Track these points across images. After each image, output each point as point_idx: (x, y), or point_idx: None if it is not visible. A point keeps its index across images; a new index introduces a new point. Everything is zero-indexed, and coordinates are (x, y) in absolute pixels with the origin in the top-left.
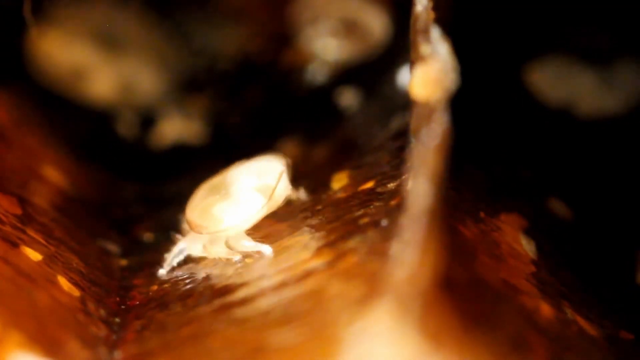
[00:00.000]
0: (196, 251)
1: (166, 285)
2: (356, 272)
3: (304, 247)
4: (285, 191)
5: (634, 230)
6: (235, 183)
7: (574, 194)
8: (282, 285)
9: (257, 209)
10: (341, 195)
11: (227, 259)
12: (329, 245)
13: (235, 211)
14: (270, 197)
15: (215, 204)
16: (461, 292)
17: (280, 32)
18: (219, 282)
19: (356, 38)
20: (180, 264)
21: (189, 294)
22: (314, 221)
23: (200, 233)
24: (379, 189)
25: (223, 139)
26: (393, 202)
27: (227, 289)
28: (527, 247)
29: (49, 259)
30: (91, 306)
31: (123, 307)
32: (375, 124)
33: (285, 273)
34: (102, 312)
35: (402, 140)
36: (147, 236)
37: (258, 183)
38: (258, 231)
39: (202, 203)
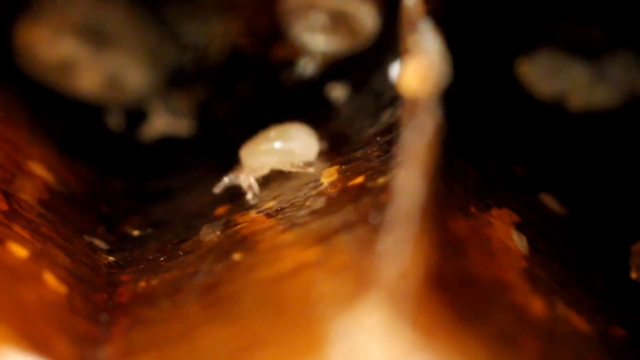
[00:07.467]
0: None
1: (154, 282)
2: (346, 268)
3: (294, 243)
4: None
5: (628, 225)
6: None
7: (566, 189)
8: (271, 281)
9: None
10: (331, 190)
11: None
12: (319, 241)
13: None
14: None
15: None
16: (452, 288)
17: (269, 26)
18: (207, 278)
19: (346, 31)
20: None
21: (177, 290)
22: (303, 217)
23: None
24: (368, 184)
25: (211, 133)
26: (383, 198)
27: (216, 285)
28: (518, 242)
29: (36, 255)
30: (78, 303)
31: (110, 303)
32: (365, 118)
33: (274, 269)
34: (89, 308)
35: (392, 134)
36: (135, 232)
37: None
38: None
39: None
